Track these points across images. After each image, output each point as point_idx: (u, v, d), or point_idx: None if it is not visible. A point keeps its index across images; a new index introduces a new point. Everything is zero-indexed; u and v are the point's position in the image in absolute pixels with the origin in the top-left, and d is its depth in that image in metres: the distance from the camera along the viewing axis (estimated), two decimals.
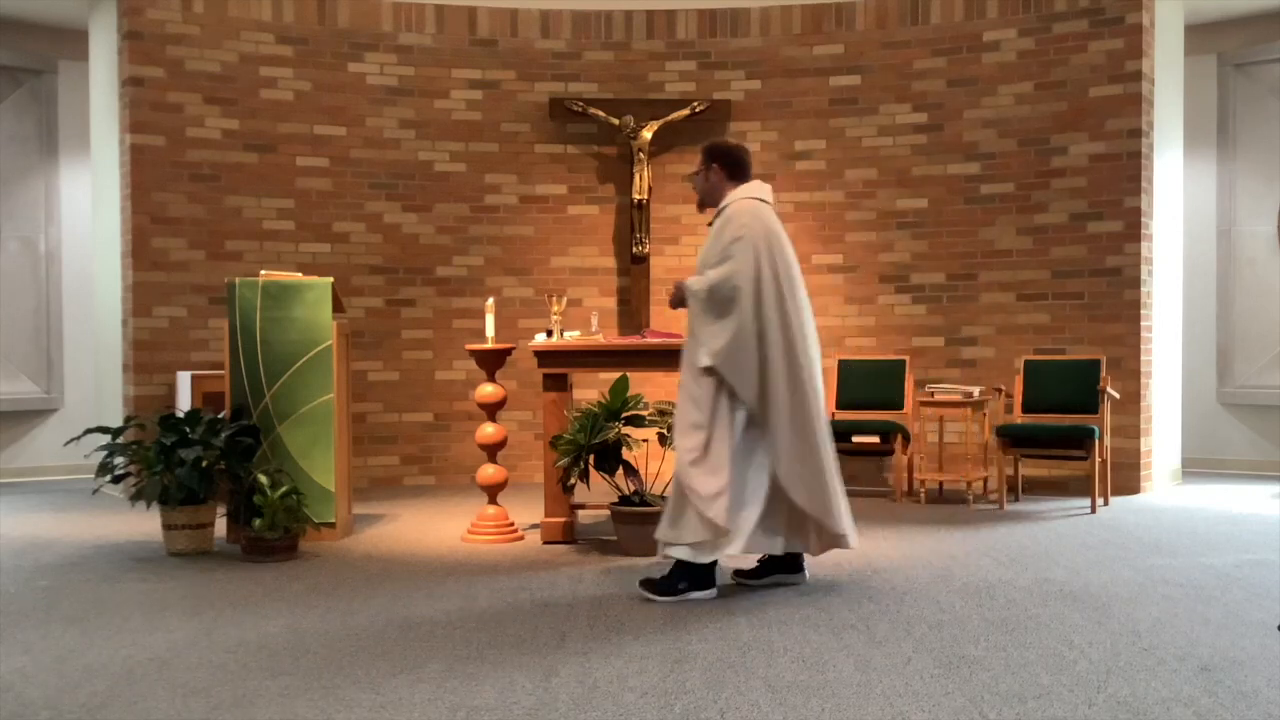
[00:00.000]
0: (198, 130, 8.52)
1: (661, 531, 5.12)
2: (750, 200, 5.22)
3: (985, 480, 8.10)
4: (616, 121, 9.07)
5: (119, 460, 6.28)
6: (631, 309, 9.14)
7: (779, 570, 5.32)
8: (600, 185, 9.32)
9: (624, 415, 6.18)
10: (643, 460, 6.23)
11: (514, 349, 6.97)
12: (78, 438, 6.52)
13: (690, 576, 5.05)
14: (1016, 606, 4.86)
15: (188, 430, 6.23)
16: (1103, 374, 7.93)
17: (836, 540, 5.21)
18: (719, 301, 5.07)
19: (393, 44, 9.05)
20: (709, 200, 5.35)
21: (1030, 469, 8.33)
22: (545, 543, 6.42)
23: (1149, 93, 8.38)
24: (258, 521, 6.03)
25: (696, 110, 9.10)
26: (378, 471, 8.94)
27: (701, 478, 4.97)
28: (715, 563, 5.11)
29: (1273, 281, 9.48)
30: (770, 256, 5.09)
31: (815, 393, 5.13)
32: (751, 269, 5.05)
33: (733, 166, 5.28)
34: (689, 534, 5.00)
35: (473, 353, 6.71)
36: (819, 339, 5.31)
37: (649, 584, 5.09)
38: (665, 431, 5.98)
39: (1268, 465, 9.40)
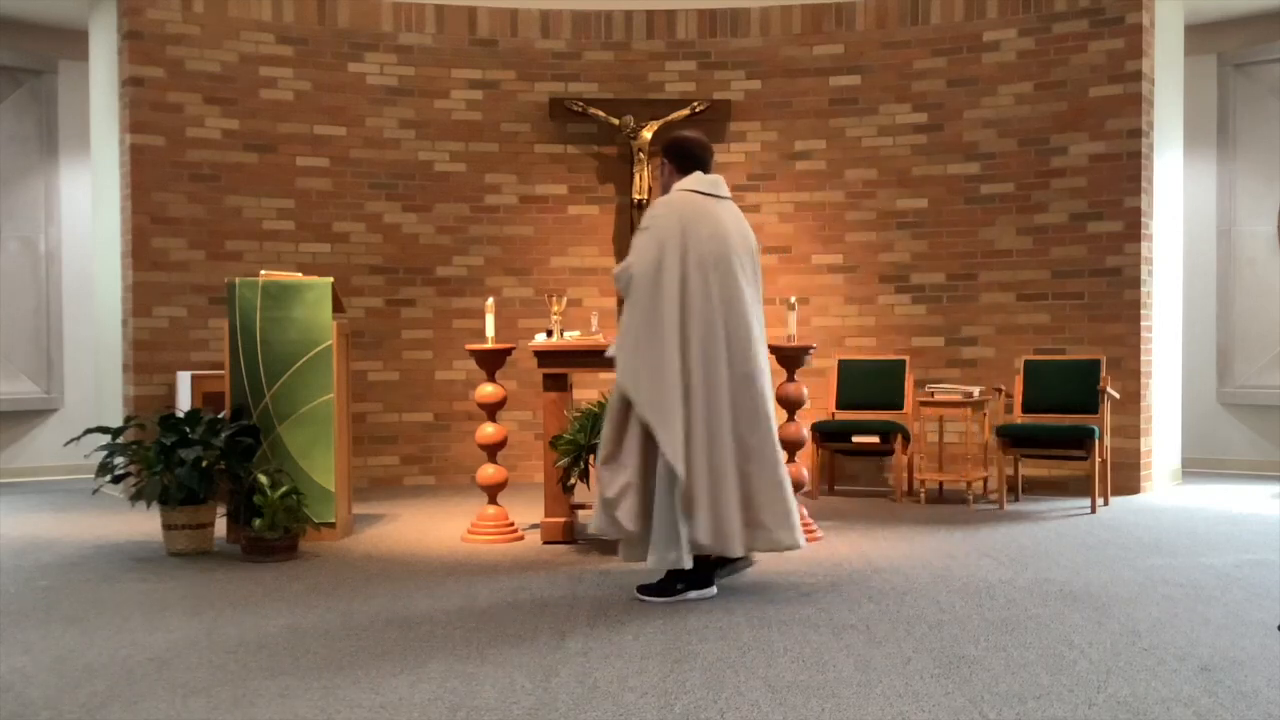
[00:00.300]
0: (198, 130, 8.53)
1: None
2: (679, 193, 5.15)
3: (985, 480, 8.10)
4: (616, 121, 9.06)
5: (119, 460, 6.27)
6: None
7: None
8: (600, 185, 9.32)
9: None
10: None
11: (514, 349, 6.97)
12: (78, 438, 6.52)
13: (686, 575, 5.02)
14: (1016, 606, 4.86)
15: (188, 430, 6.23)
16: (1103, 374, 7.93)
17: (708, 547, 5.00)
18: (621, 291, 5.11)
19: (393, 44, 9.05)
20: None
21: (1030, 469, 8.32)
22: (545, 543, 6.42)
23: (1149, 93, 8.38)
24: (258, 521, 6.03)
25: (696, 110, 9.09)
26: (378, 471, 8.94)
27: (608, 479, 4.96)
28: (710, 560, 5.07)
29: (1273, 281, 9.48)
30: (682, 249, 4.96)
31: (710, 391, 4.90)
32: (650, 261, 4.97)
33: (681, 160, 5.23)
34: (616, 531, 5.00)
35: (473, 353, 6.71)
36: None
37: (646, 589, 5.06)
38: None
39: (1268, 465, 9.40)
